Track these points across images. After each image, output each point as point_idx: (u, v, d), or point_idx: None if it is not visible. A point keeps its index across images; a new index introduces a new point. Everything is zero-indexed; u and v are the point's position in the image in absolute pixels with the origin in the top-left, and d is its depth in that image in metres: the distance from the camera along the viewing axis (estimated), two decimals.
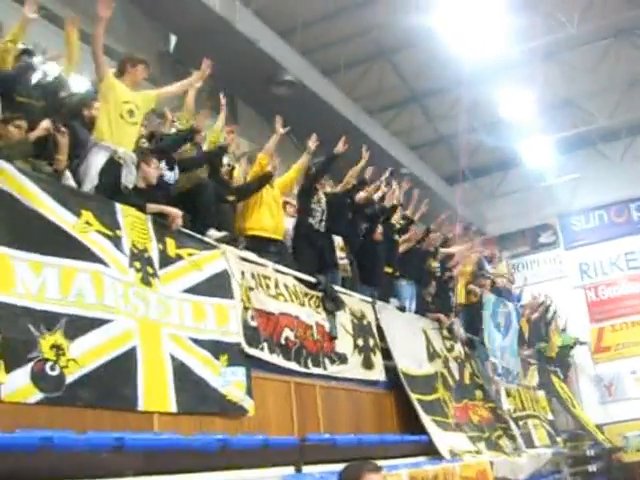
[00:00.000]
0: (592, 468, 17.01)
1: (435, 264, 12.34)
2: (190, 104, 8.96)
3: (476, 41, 15.58)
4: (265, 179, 8.70)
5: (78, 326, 5.12)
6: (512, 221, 23.87)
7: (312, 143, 9.60)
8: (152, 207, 6.49)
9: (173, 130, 8.75)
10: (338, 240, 9.78)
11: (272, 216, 8.71)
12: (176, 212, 6.67)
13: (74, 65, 7.73)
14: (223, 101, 9.71)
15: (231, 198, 8.41)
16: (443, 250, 13.00)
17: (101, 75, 6.59)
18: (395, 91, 19.61)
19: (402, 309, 10.62)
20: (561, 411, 18.01)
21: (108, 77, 6.62)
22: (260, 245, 8.28)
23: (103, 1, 6.26)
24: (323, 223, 9.64)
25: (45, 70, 7.85)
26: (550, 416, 16.51)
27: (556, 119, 20.96)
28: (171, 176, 7.62)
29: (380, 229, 10.81)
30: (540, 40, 17.32)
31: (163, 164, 7.43)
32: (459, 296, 13.34)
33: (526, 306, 18.25)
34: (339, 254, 9.54)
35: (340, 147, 9.88)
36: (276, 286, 7.67)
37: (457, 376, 11.55)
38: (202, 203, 7.64)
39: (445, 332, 11.83)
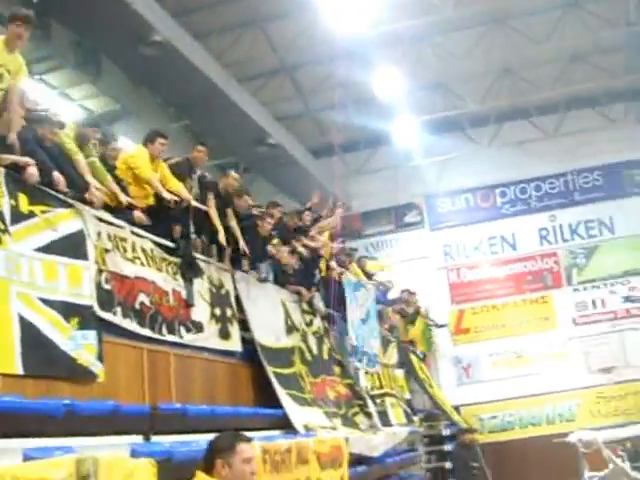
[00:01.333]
0: (447, 447, 17.70)
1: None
2: None
3: (351, 17, 15.72)
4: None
5: None
6: (378, 199, 24.27)
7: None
8: (4, 157, 6.37)
9: None
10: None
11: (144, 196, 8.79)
12: (30, 161, 6.53)
13: None
14: None
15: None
16: (319, 225, 13.28)
17: None
18: (266, 60, 19.66)
19: (262, 280, 10.76)
20: (419, 390, 18.70)
21: None
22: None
23: None
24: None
25: None
26: (408, 395, 17.13)
27: (427, 101, 21.65)
28: None
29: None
30: (415, 21, 17.83)
31: None
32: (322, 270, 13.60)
33: (396, 304, 18.88)
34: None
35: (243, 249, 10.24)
36: (133, 249, 7.69)
37: (315, 351, 11.83)
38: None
39: (305, 306, 12.05)
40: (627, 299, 23.09)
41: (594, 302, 23.25)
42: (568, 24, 19.37)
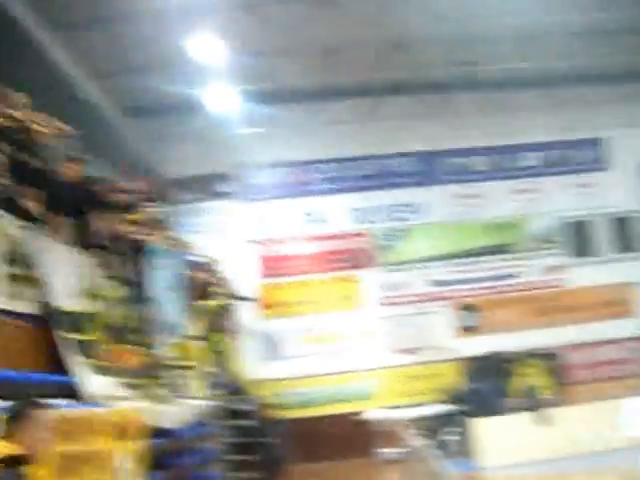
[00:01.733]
0: (247, 423, 17.76)
1: None
2: None
3: None
4: None
5: None
6: (192, 166, 24.05)
7: None
8: None
9: None
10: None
11: None
12: None
13: None
14: None
15: None
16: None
17: None
18: (83, 11, 18.75)
19: (63, 241, 10.26)
20: (221, 364, 18.62)
21: None
22: None
23: None
24: None
25: None
26: (210, 368, 17.01)
27: (249, 70, 21.49)
28: None
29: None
30: None
31: None
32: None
33: (198, 267, 18.69)
34: None
35: None
36: None
37: (116, 318, 11.50)
38: None
39: (109, 271, 11.67)
40: (433, 283, 24.04)
41: (401, 284, 24.03)
42: (395, 11, 19.75)
